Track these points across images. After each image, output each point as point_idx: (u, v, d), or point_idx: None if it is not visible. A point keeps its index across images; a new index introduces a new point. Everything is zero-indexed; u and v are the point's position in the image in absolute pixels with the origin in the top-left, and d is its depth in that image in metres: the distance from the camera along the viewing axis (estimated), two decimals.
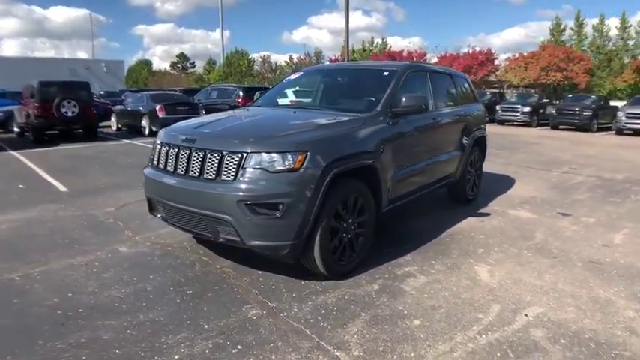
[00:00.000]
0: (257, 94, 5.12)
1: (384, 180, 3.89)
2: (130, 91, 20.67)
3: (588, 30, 30.19)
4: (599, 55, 29.10)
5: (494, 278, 3.73)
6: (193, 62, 66.24)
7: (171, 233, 4.62)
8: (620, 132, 18.97)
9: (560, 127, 20.70)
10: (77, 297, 3.22)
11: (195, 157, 3.32)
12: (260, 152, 3.11)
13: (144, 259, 3.96)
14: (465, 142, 5.70)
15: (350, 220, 3.58)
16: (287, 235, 3.15)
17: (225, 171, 3.17)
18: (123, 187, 6.76)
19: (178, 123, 4.15)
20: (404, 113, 4.13)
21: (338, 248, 3.50)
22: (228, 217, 3.12)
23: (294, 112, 4.22)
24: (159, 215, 3.83)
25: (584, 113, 19.89)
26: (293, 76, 5.14)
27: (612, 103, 23.40)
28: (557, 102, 24.02)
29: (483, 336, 2.85)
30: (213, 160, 3.22)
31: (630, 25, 28.32)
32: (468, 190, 6.05)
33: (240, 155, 3.14)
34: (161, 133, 3.88)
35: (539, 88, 28.27)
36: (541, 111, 22.36)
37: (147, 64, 59.80)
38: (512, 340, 2.81)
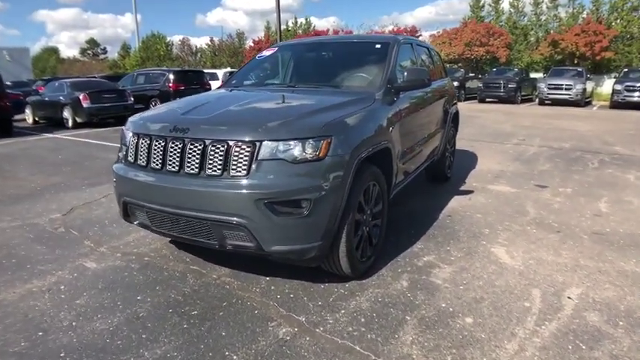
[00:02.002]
0: (225, 74, 4.39)
1: (395, 163, 3.51)
2: (43, 81, 18.49)
3: (505, 6, 31.64)
4: (515, 30, 30.55)
5: (516, 260, 3.51)
6: (105, 48, 61.95)
7: (141, 239, 3.95)
8: (542, 102, 20.14)
9: (487, 99, 21.55)
10: (52, 336, 2.53)
11: (191, 149, 2.70)
12: (277, 140, 2.58)
13: (120, 275, 3.28)
14: (445, 118, 5.47)
15: (368, 212, 3.16)
16: (314, 235, 2.66)
17: (235, 164, 2.60)
18: (62, 188, 5.82)
19: (153, 109, 3.45)
20: (406, 88, 3.75)
21: (360, 244, 3.07)
22: (241, 219, 2.57)
23: (292, 91, 3.68)
24: (137, 222, 3.17)
25: (509, 86, 20.85)
26: (267, 53, 4.55)
27: (531, 75, 24.79)
28: (481, 76, 25.01)
29: (543, 327, 2.59)
30: (217, 152, 2.63)
31: (543, 1, 30.01)
32: (446, 168, 5.86)
33: (252, 145, 2.58)
34: (134, 121, 3.17)
35: (463, 63, 29.26)
36: (467, 85, 23.14)
37: (54, 51, 54.67)
38: (575, 329, 2.57)
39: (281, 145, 2.58)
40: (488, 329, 2.57)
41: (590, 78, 22.01)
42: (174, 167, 2.75)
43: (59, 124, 12.82)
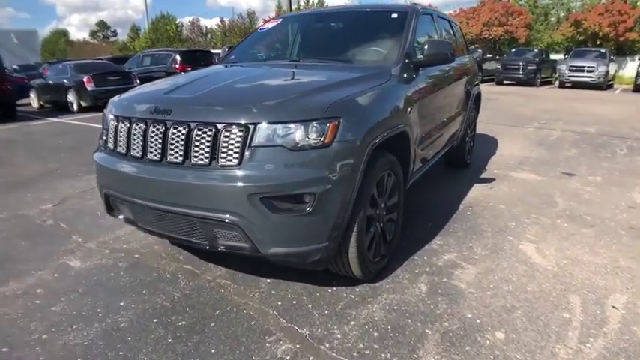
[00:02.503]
0: (224, 49, 4.00)
1: (413, 149, 3.09)
2: (50, 64, 18.19)
3: None
4: (536, 10, 29.45)
5: (549, 259, 3.11)
6: (115, 30, 61.74)
7: (133, 233, 3.61)
8: (562, 85, 19.34)
9: (505, 82, 20.76)
10: (17, 353, 2.20)
11: (174, 134, 2.32)
12: (274, 122, 2.18)
13: (106, 276, 2.95)
14: (467, 99, 5.01)
15: (382, 205, 2.77)
16: (319, 235, 2.28)
17: (225, 152, 2.21)
18: (58, 176, 5.51)
19: (137, 88, 3.07)
20: (427, 64, 3.32)
21: (372, 243, 2.69)
22: (233, 217, 2.19)
23: (296, 66, 3.26)
24: (122, 216, 2.81)
25: (529, 67, 20.05)
26: (270, 25, 4.13)
27: (551, 57, 23.86)
28: (499, 57, 24.15)
29: (587, 345, 2.20)
30: (204, 138, 2.24)
31: None
32: (466, 154, 5.43)
33: (244, 128, 2.19)
34: (115, 102, 2.79)
35: (480, 43, 28.37)
36: (484, 66, 22.30)
37: (64, 34, 54.58)
38: (626, 348, 2.18)
39: (279, 129, 2.18)
40: (524, 348, 2.18)
41: (614, 60, 21.08)
42: (155, 155, 2.37)
43: (65, 108, 12.53)
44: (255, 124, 2.18)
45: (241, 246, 2.31)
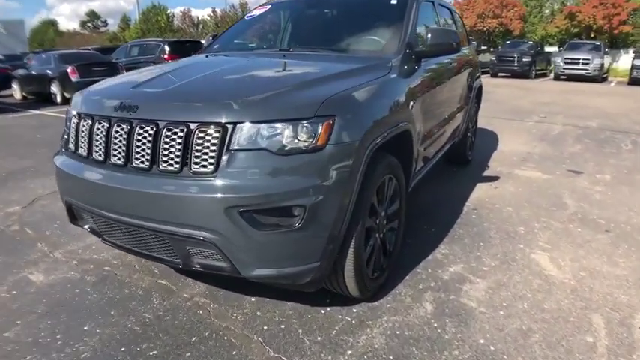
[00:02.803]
0: (208, 38, 3.67)
1: (416, 148, 2.78)
2: (34, 53, 17.61)
3: None
4: (530, 2, 29.25)
5: (565, 271, 2.82)
6: (105, 20, 60.76)
7: None
8: (557, 77, 19.17)
9: (500, 74, 20.48)
10: None
11: (140, 134, 1.97)
12: (257, 121, 1.85)
13: (70, 293, 2.61)
14: (469, 92, 4.70)
15: (382, 214, 2.45)
16: (310, 254, 1.96)
17: (198, 157, 1.87)
18: (31, 174, 5.13)
19: (105, 81, 2.70)
20: (430, 54, 3.00)
21: (371, 257, 2.37)
22: (208, 234, 1.86)
23: (285, 56, 2.92)
24: (87, 227, 2.48)
25: (524, 59, 19.81)
26: (257, 12, 3.77)
27: (545, 49, 23.64)
28: (493, 49, 23.87)
29: None
30: (175, 139, 1.90)
31: None
32: (467, 150, 5.14)
33: (221, 128, 1.85)
34: (77, 98, 2.44)
35: (474, 35, 28.07)
36: (479, 58, 21.99)
37: (52, 24, 53.58)
38: None
39: (263, 129, 1.85)
40: None
41: (608, 52, 20.91)
42: (119, 159, 2.03)
43: (48, 100, 12.05)
44: (234, 124, 1.84)
45: (220, 266, 1.98)
